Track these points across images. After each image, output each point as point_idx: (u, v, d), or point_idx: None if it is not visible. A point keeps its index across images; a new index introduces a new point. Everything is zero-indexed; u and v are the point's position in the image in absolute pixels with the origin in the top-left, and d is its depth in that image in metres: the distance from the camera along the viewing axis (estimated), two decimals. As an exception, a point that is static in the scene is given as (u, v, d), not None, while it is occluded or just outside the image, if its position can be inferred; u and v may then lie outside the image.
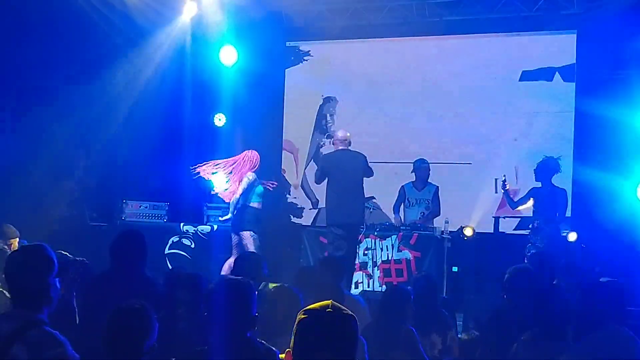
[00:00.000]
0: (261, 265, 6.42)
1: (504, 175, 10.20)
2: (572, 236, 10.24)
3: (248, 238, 9.75)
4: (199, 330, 5.04)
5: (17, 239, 8.08)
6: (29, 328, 3.60)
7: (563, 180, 10.51)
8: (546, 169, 9.80)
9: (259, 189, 9.93)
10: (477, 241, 10.46)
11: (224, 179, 10.06)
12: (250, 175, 9.91)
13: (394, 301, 5.89)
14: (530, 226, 9.78)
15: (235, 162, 10.05)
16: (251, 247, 9.58)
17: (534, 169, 9.98)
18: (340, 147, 9.41)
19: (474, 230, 10.35)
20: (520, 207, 10.07)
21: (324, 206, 9.71)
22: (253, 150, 10.11)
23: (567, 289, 6.64)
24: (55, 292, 3.84)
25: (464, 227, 10.40)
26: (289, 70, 13.17)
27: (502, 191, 10.02)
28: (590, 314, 4.96)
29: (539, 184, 9.72)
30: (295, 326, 2.73)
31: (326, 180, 9.49)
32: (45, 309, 3.76)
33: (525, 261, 9.33)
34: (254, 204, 9.92)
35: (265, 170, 10.55)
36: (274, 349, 3.88)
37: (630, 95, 10.34)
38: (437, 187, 10.85)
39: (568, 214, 9.95)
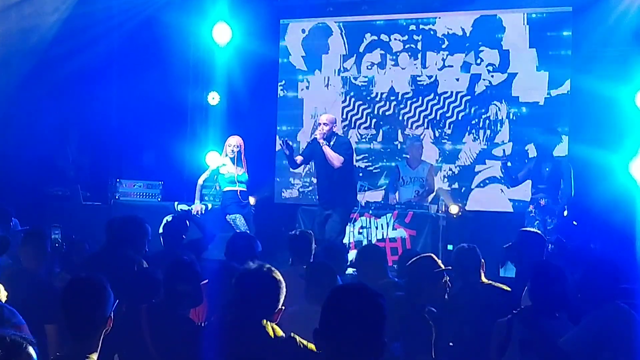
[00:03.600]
0: (253, 245, 6.43)
1: (503, 150, 10.19)
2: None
3: (229, 222, 9.92)
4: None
5: None
6: None
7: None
8: (546, 139, 9.77)
9: (229, 175, 9.98)
10: (473, 219, 10.46)
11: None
12: (214, 163, 10.24)
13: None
14: (533, 205, 9.70)
15: None
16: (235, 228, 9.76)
17: (534, 142, 9.91)
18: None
19: (460, 208, 10.31)
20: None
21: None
22: (231, 137, 10.15)
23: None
24: None
25: (449, 205, 10.36)
26: (283, 48, 13.07)
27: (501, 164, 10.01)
28: (591, 291, 4.96)
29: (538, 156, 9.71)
30: (324, 304, 2.81)
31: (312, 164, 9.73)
32: None
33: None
34: (228, 187, 10.01)
35: (261, 147, 10.53)
36: (292, 335, 3.93)
37: (626, 72, 10.30)
38: (431, 164, 10.87)
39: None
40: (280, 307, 4.01)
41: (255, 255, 6.12)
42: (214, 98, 12.54)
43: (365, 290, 2.79)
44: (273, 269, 4.09)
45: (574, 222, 10.09)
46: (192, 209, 10.50)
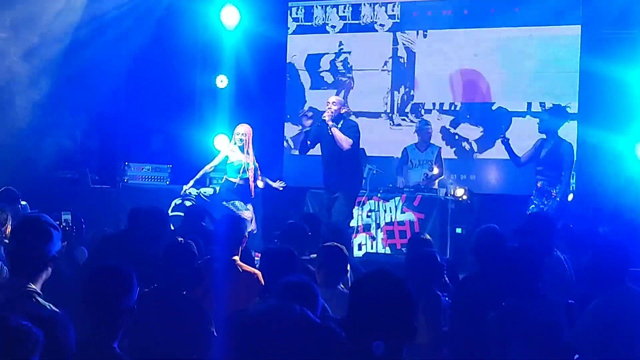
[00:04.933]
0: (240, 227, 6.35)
1: (503, 127, 9.91)
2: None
3: (229, 206, 9.98)
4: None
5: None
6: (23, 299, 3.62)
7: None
8: (551, 117, 9.47)
9: (238, 164, 9.96)
10: (481, 202, 10.43)
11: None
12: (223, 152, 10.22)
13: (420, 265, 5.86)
14: (534, 188, 9.55)
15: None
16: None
17: (538, 119, 9.59)
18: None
19: (465, 191, 10.23)
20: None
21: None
22: (240, 125, 10.12)
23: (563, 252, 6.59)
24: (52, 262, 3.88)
25: (456, 188, 10.29)
26: (291, 30, 13.00)
27: (503, 145, 9.65)
28: (600, 275, 4.93)
29: (544, 136, 9.43)
30: (349, 291, 2.86)
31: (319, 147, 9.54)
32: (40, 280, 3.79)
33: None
34: (231, 178, 10.00)
35: (269, 130, 10.50)
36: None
37: (636, 55, 10.24)
38: (440, 147, 10.83)
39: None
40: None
41: (242, 236, 6.03)
42: (222, 81, 12.52)
43: (392, 277, 2.78)
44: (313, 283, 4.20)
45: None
46: (200, 192, 10.52)
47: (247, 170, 9.95)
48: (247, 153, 9.97)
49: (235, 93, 12.36)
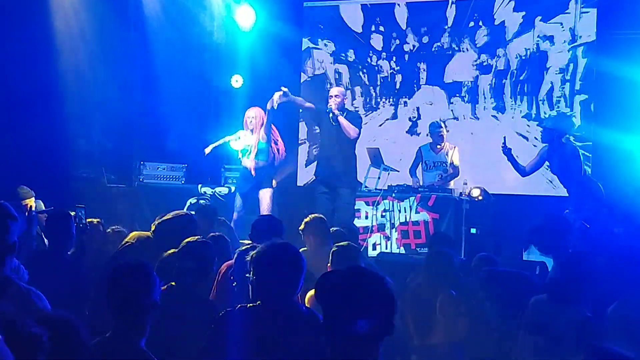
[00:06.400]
0: (277, 226, 6.43)
1: (504, 137, 9.68)
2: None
3: (237, 199, 9.98)
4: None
5: (32, 199, 8.16)
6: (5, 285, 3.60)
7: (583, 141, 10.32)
8: (555, 125, 9.39)
9: (244, 146, 9.94)
10: (496, 203, 10.39)
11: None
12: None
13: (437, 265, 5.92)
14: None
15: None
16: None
17: (542, 128, 9.50)
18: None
19: (481, 191, 10.17)
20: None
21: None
22: (249, 109, 10.06)
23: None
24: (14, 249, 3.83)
25: (471, 188, 10.24)
26: (307, 32, 13.02)
27: (505, 156, 9.55)
28: (616, 278, 4.92)
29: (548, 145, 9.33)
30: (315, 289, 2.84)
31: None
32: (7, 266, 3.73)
33: None
34: (244, 164, 9.97)
35: (283, 130, 10.52)
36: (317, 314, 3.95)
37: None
38: (455, 147, 10.79)
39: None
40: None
41: (279, 236, 6.10)
42: (237, 81, 12.55)
43: (367, 272, 2.76)
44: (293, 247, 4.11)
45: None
46: (215, 191, 10.55)
47: (251, 151, 9.85)
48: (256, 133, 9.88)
49: (250, 93, 12.39)
